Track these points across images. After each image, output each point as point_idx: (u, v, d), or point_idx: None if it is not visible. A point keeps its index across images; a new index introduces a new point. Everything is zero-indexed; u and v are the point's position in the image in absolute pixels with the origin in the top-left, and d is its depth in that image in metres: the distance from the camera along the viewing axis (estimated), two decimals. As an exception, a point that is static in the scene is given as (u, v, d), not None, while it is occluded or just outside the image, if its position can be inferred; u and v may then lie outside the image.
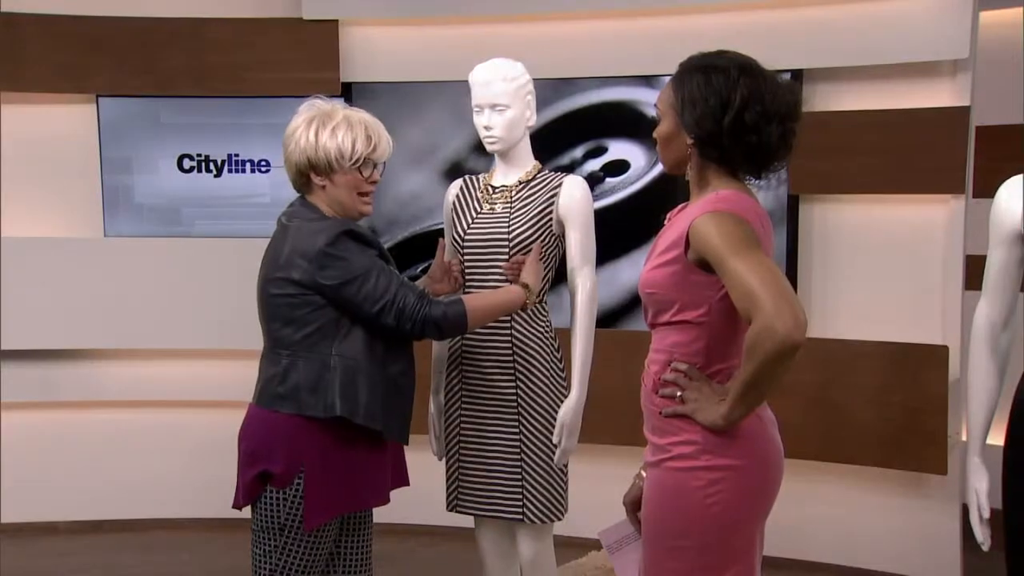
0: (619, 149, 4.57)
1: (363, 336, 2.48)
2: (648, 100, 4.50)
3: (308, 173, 2.53)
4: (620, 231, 4.36)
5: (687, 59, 2.10)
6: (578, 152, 4.60)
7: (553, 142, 4.54)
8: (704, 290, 2.02)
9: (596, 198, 4.48)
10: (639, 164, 4.53)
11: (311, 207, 2.56)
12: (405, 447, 2.68)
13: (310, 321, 2.46)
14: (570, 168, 4.51)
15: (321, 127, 2.51)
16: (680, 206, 2.17)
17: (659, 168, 4.31)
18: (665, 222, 2.19)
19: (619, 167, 4.57)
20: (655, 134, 2.14)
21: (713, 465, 2.01)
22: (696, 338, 2.05)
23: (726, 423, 1.98)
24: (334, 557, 2.65)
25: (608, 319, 4.51)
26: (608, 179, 4.58)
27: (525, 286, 2.74)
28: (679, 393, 2.05)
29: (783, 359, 1.85)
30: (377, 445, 2.55)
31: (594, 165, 4.59)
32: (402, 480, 2.71)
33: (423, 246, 4.68)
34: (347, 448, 2.49)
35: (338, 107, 2.58)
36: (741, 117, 1.99)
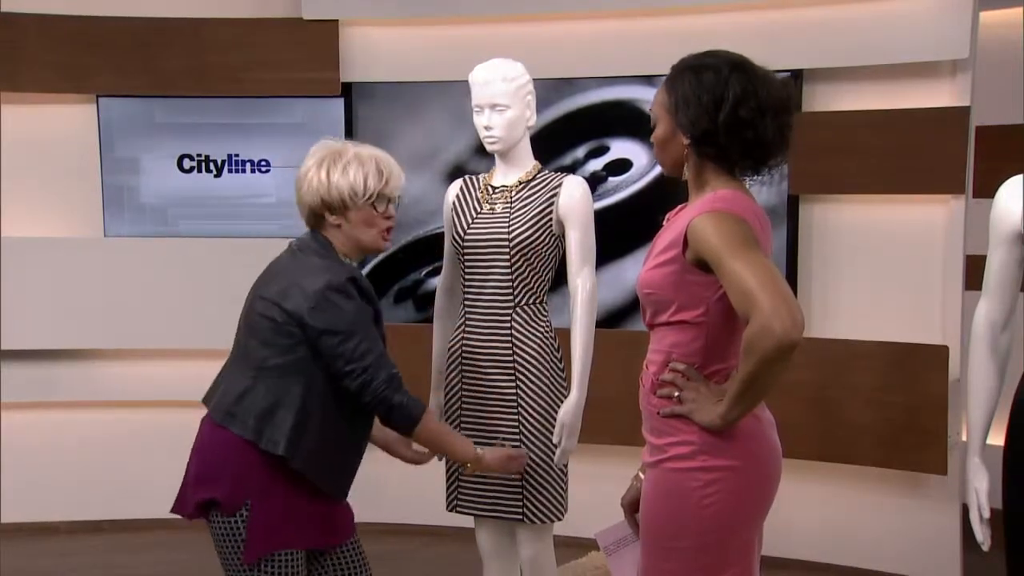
0: (621, 148, 4.58)
1: (332, 384, 2.43)
2: (649, 98, 4.50)
3: (323, 213, 2.49)
4: (624, 230, 4.36)
5: (678, 61, 2.11)
6: (580, 152, 4.60)
7: (555, 142, 4.55)
8: (702, 290, 2.02)
9: (599, 198, 4.51)
10: (641, 162, 4.53)
11: (323, 242, 2.51)
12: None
13: (286, 352, 2.41)
14: (572, 168, 4.51)
15: (332, 166, 2.48)
16: (679, 207, 2.18)
17: (661, 166, 4.32)
18: (664, 223, 2.19)
19: (621, 166, 4.57)
20: (652, 138, 2.15)
21: (710, 466, 2.01)
22: (694, 338, 2.05)
23: (723, 423, 1.98)
24: (322, 568, 2.58)
25: (613, 318, 4.52)
26: (611, 178, 4.58)
27: (479, 458, 2.64)
28: (676, 393, 2.05)
29: (780, 358, 1.85)
30: None
31: (596, 165, 4.59)
32: (347, 530, 2.59)
33: (426, 250, 4.69)
34: (296, 482, 2.42)
35: (348, 145, 2.55)
36: (736, 112, 2.00)
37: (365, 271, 4.81)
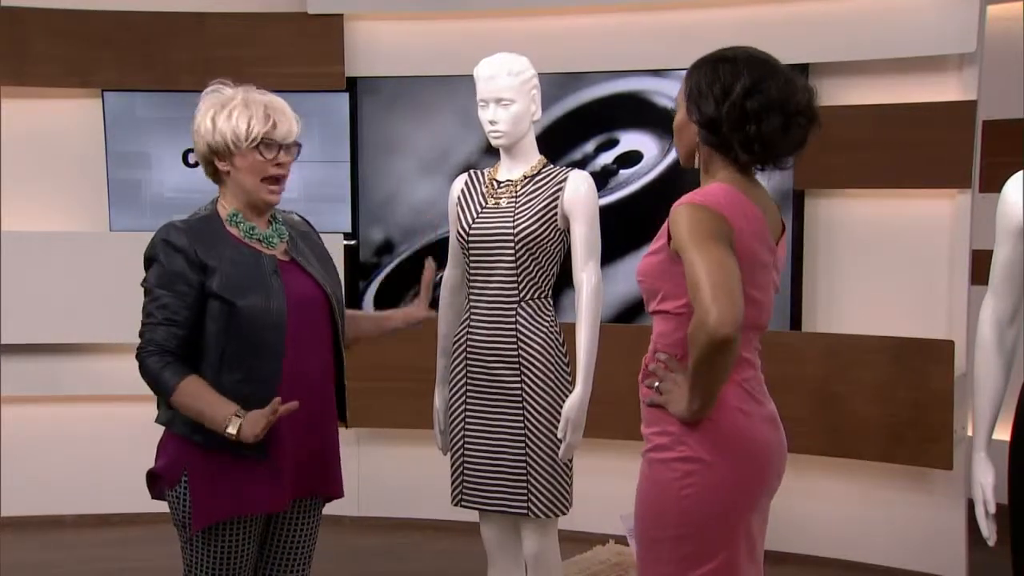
0: (631, 140, 4.56)
1: (199, 342, 2.44)
2: (656, 90, 4.50)
3: (213, 160, 2.48)
4: (637, 222, 4.34)
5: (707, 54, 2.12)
6: (590, 146, 4.58)
7: (564, 137, 4.53)
8: (683, 280, 2.01)
9: (611, 191, 4.49)
10: (651, 154, 4.52)
11: (207, 205, 2.55)
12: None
13: None
14: (583, 162, 4.50)
15: (219, 112, 2.46)
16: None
17: (672, 156, 4.31)
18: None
19: (632, 158, 4.56)
20: (673, 125, 2.16)
21: (687, 456, 2.01)
22: (676, 328, 2.05)
23: (690, 415, 1.99)
24: (266, 549, 2.54)
25: (627, 313, 4.52)
26: (622, 171, 4.56)
27: (228, 432, 2.30)
28: (656, 383, 2.06)
29: (714, 351, 1.86)
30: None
31: (607, 158, 4.57)
32: (329, 487, 2.53)
33: (441, 255, 4.66)
34: (225, 451, 2.35)
35: (240, 90, 2.50)
36: (742, 104, 2.00)
37: (380, 278, 4.81)
